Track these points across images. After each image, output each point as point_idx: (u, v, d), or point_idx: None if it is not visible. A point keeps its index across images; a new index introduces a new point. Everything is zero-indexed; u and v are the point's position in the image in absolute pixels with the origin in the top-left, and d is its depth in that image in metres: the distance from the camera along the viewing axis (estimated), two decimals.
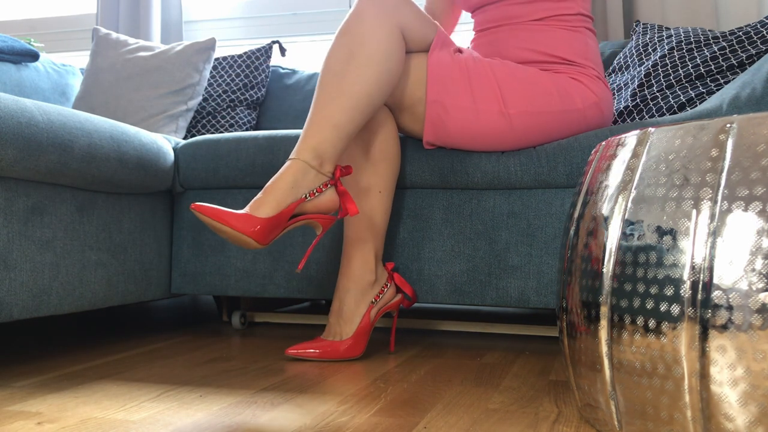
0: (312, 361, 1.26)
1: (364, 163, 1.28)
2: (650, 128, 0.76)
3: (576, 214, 0.84)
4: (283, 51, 2.16)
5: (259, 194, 1.08)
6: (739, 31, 1.59)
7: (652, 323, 0.68)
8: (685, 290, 0.66)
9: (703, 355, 0.64)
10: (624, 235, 0.73)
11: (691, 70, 1.56)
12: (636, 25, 1.87)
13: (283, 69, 2.26)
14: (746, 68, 1.51)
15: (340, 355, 1.25)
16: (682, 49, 1.62)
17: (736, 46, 1.56)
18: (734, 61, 1.53)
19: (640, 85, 1.62)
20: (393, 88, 1.23)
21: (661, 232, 0.69)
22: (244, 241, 1.03)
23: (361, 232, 1.27)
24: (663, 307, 0.68)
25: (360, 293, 1.27)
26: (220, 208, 1.02)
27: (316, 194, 1.12)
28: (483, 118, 1.27)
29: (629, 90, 1.65)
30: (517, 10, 1.37)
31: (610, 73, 1.81)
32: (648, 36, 1.76)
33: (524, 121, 1.28)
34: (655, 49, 1.69)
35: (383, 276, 1.31)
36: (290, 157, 1.13)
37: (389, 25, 1.19)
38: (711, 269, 0.65)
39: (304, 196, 1.10)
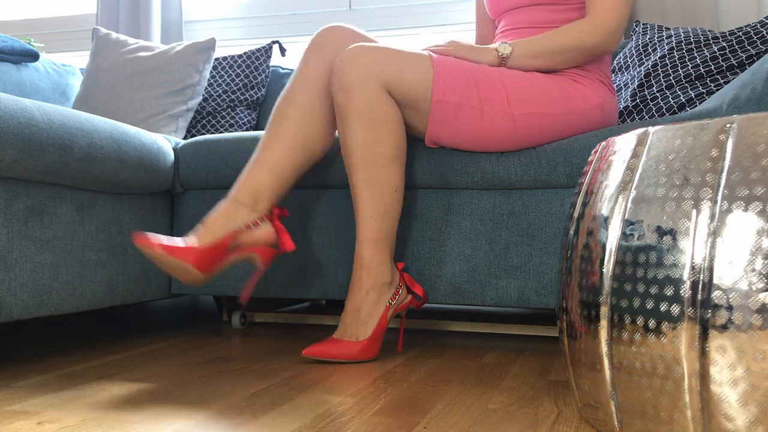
0: (326, 362, 1.24)
1: (380, 161, 1.26)
2: (650, 128, 0.76)
3: (576, 214, 0.84)
4: (283, 51, 2.16)
5: (197, 227, 1.19)
6: (739, 31, 1.59)
7: (652, 323, 0.69)
8: (685, 290, 0.66)
9: (703, 355, 0.64)
10: (624, 235, 0.73)
11: (691, 71, 1.56)
12: (636, 25, 1.87)
13: (283, 69, 2.26)
14: (746, 68, 1.51)
15: (355, 357, 1.23)
16: (682, 49, 1.62)
17: (736, 46, 1.56)
18: (734, 61, 1.53)
19: (640, 86, 1.62)
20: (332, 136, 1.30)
21: (661, 232, 0.69)
22: (187, 270, 1.11)
23: (381, 231, 1.26)
24: (663, 307, 0.68)
25: (378, 294, 1.25)
26: (160, 238, 1.10)
27: (252, 227, 1.20)
28: (488, 119, 1.27)
29: (629, 90, 1.65)
30: (541, 16, 1.40)
31: None
32: (648, 36, 1.76)
33: (528, 122, 1.28)
34: (655, 50, 1.69)
35: (396, 276, 1.29)
36: (228, 195, 1.21)
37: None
38: (711, 269, 0.65)
39: (239, 228, 1.18)
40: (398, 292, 1.28)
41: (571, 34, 1.30)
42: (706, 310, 0.65)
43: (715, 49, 1.57)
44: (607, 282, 0.74)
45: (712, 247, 0.65)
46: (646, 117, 1.57)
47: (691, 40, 1.64)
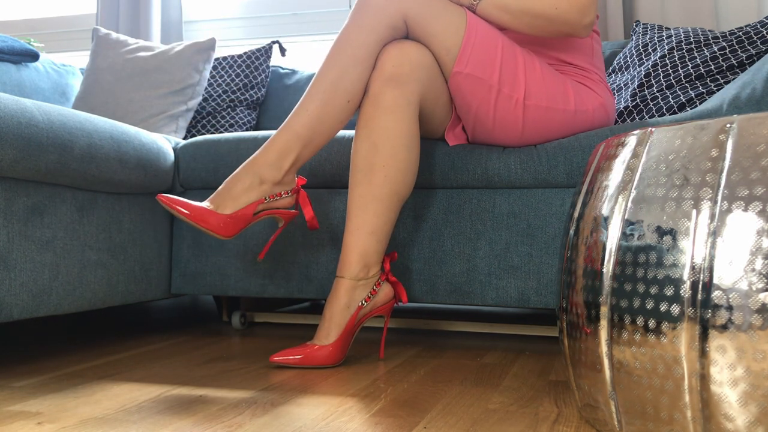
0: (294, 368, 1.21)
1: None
2: (650, 128, 0.76)
3: (576, 214, 0.84)
4: (283, 51, 2.16)
5: (220, 189, 1.20)
6: (739, 31, 1.59)
7: (652, 323, 0.69)
8: (685, 290, 0.66)
9: (703, 355, 0.64)
10: (624, 235, 0.73)
11: (691, 70, 1.56)
12: (636, 25, 1.87)
13: (283, 69, 2.26)
14: (746, 68, 1.51)
15: (320, 362, 1.19)
16: (682, 49, 1.62)
17: (736, 46, 1.56)
18: (734, 61, 1.53)
19: (640, 86, 1.62)
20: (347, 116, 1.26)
21: (661, 232, 0.69)
22: (209, 233, 1.16)
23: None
24: (663, 307, 0.68)
25: (348, 297, 1.21)
26: (184, 202, 1.15)
27: (276, 198, 1.22)
28: (501, 102, 1.27)
29: (629, 90, 1.65)
30: None
31: (610, 73, 1.81)
32: (648, 36, 1.76)
33: (537, 115, 1.29)
34: (655, 49, 1.69)
35: (375, 274, 1.24)
36: (255, 159, 1.21)
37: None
38: (711, 269, 0.65)
39: (263, 197, 1.21)
40: (375, 291, 1.22)
41: (548, 1, 1.24)
42: (706, 310, 0.65)
43: (715, 49, 1.57)
44: (607, 282, 0.74)
45: (712, 247, 0.65)
46: (646, 117, 1.57)
47: (691, 40, 1.64)
